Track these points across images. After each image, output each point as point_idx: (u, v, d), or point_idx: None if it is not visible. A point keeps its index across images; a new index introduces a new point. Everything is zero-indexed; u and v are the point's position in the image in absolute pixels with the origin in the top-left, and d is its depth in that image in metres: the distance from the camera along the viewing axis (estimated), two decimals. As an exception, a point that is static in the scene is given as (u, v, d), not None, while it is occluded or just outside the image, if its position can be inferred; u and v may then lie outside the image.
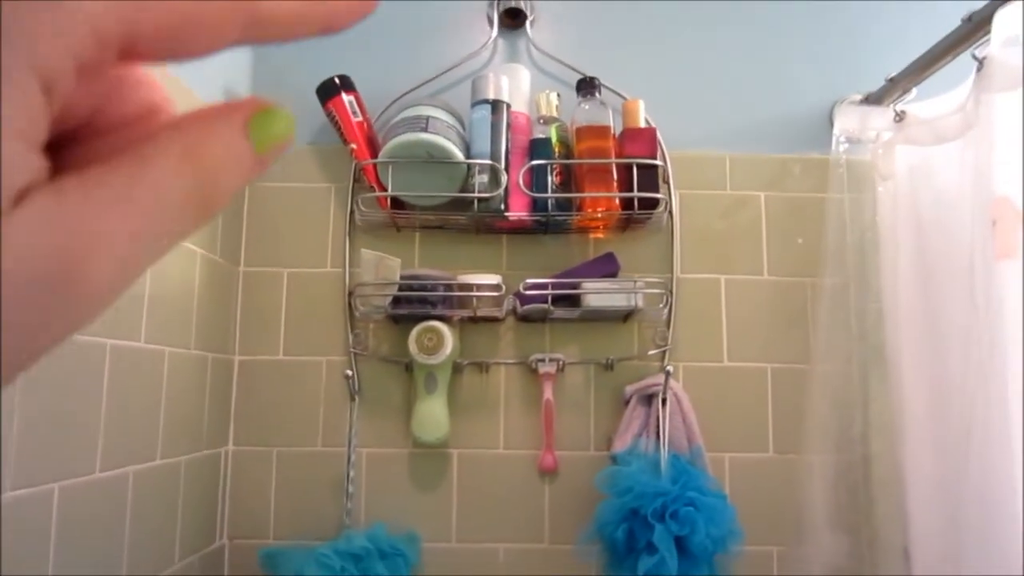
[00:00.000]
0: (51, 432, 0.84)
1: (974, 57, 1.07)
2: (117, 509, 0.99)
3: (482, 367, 1.37)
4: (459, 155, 1.27)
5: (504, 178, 1.28)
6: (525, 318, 1.36)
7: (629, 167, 1.29)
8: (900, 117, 1.27)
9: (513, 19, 1.45)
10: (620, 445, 1.29)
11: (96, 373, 0.93)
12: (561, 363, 1.36)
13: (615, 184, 1.30)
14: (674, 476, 1.22)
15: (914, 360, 1.20)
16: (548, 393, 1.35)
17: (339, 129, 1.35)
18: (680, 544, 1.16)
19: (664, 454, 1.26)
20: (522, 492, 1.36)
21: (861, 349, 1.32)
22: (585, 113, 1.33)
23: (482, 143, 1.30)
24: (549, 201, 1.29)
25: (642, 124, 1.34)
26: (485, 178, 1.29)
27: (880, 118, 1.30)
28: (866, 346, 1.31)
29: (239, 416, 1.37)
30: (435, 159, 1.27)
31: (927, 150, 1.23)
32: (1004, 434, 0.96)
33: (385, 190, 1.29)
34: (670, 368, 1.30)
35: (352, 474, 1.34)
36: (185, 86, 1.19)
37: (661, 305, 1.34)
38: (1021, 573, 0.96)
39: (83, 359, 0.91)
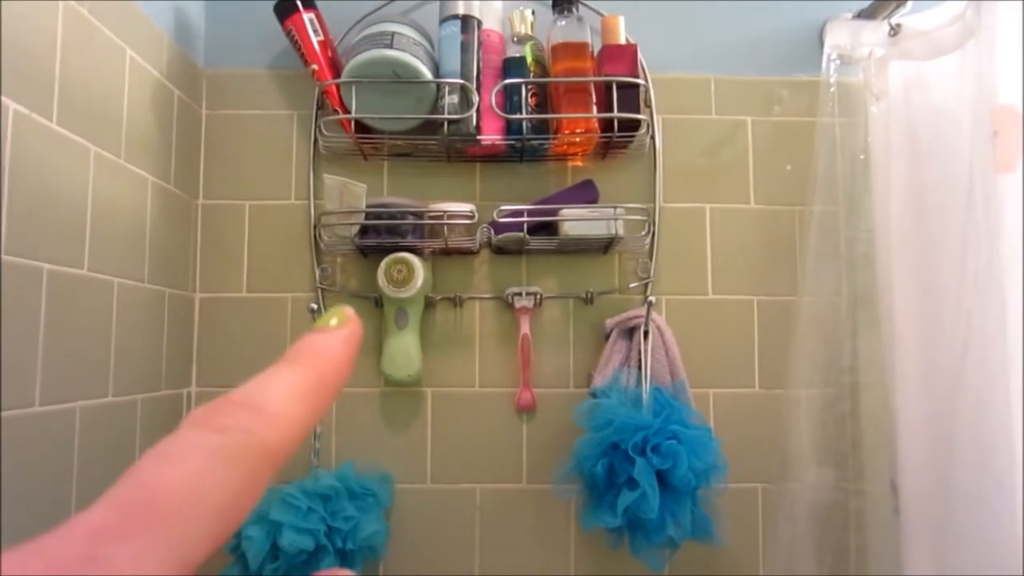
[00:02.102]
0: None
1: (976, -44, 1.00)
2: (63, 445, 0.93)
3: (456, 302, 1.31)
4: (427, 74, 1.19)
5: (475, 99, 1.20)
6: (500, 249, 1.30)
7: (608, 87, 1.22)
8: (895, 31, 1.19)
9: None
10: (600, 380, 1.24)
11: (31, 297, 0.86)
12: (539, 297, 1.30)
13: (594, 105, 1.22)
14: (656, 409, 1.17)
15: (907, 286, 1.14)
16: (525, 328, 1.29)
17: (299, 50, 1.26)
18: (662, 478, 1.11)
19: (646, 388, 1.21)
20: (499, 431, 1.31)
21: (850, 278, 1.26)
22: (561, 30, 1.24)
23: (452, 62, 1.22)
24: (524, 123, 1.22)
25: (622, 42, 1.26)
26: (455, 99, 1.21)
27: (873, 33, 1.23)
28: (856, 275, 1.26)
29: (202, 356, 1.31)
30: (401, 79, 1.19)
31: (923, 65, 1.16)
32: (1001, 354, 0.92)
33: (349, 113, 1.21)
34: (652, 299, 1.24)
35: (321, 414, 1.28)
36: (134, 7, 1.10)
37: (643, 233, 1.27)
38: (1018, 501, 0.92)
39: (15, 282, 0.83)
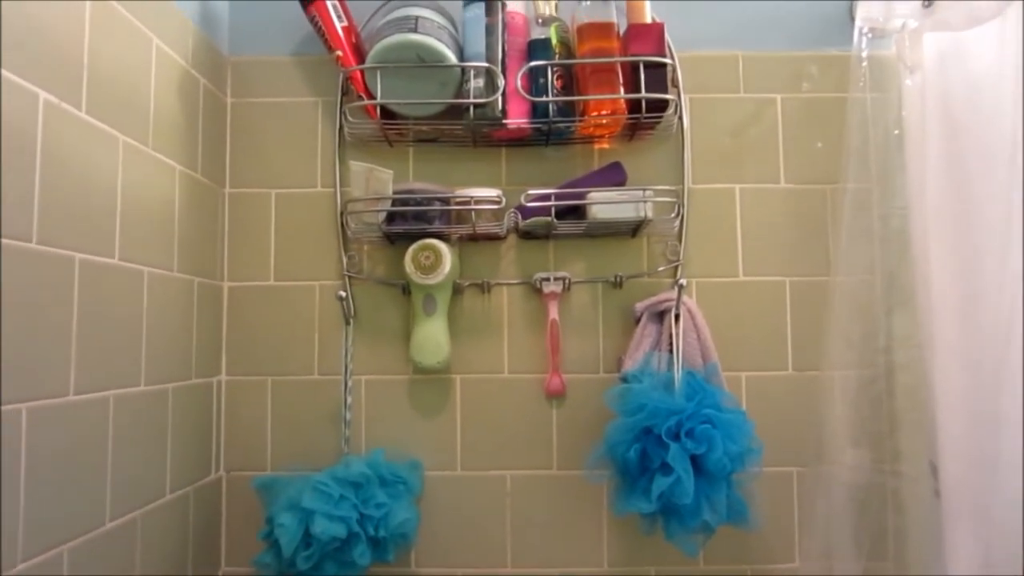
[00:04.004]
0: (13, 348, 0.77)
1: (1016, -80, 0.97)
2: (97, 434, 0.93)
3: (483, 287, 1.30)
4: (452, 57, 1.18)
5: (501, 82, 1.19)
6: (528, 234, 1.29)
7: (635, 68, 1.20)
8: (929, 1, 1.16)
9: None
10: (630, 364, 1.22)
11: (64, 287, 0.86)
12: (567, 281, 1.28)
13: (620, 86, 1.21)
14: (689, 393, 1.15)
15: (944, 262, 1.11)
16: (554, 313, 1.28)
17: (323, 36, 1.26)
18: (696, 463, 1.10)
19: (678, 371, 1.19)
20: (529, 417, 1.30)
21: (885, 256, 1.23)
22: (587, 10, 1.23)
23: (476, 45, 1.21)
24: (550, 106, 1.20)
25: (648, 21, 1.24)
26: (480, 83, 1.20)
27: (907, 4, 1.20)
28: (890, 253, 1.23)
29: (231, 345, 1.31)
30: (426, 63, 1.18)
31: (959, 34, 1.13)
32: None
33: (374, 99, 1.20)
34: (683, 281, 1.22)
35: (350, 402, 1.28)
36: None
37: (672, 215, 1.26)
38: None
39: (48, 271, 0.83)
